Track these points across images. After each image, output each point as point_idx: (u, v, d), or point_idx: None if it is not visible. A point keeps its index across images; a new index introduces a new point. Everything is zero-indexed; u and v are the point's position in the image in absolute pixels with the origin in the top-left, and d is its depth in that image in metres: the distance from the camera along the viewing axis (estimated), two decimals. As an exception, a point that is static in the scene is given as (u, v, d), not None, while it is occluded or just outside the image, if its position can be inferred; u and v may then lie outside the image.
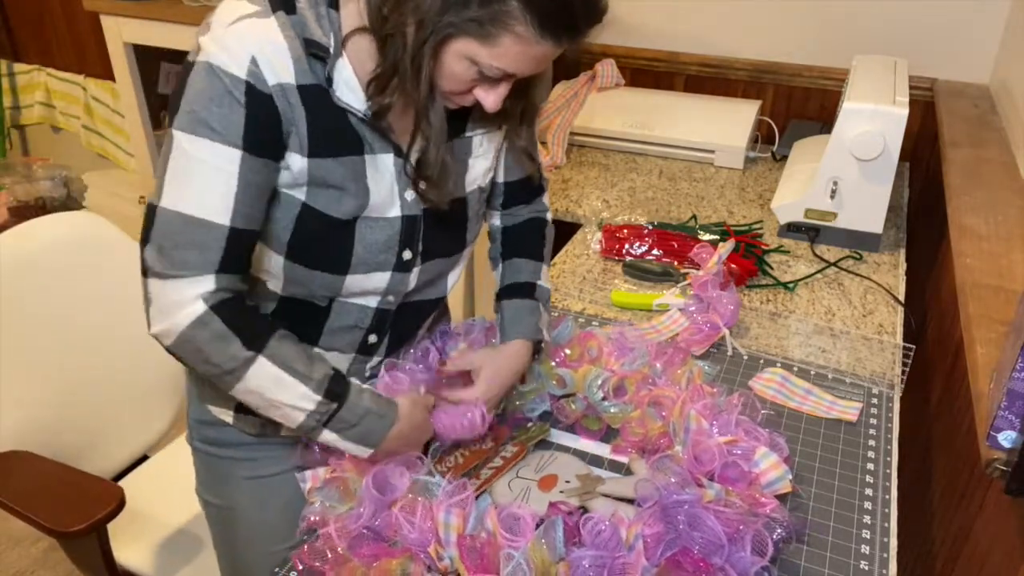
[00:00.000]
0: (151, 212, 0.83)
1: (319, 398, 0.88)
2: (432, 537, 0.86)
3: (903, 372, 1.23)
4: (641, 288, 1.46)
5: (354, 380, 0.93)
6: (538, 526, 0.85)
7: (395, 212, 0.93)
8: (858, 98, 1.50)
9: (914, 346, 1.27)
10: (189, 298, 0.83)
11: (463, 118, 0.97)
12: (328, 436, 0.91)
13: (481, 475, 1.00)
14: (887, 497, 1.00)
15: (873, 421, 1.14)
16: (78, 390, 1.39)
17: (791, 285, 1.47)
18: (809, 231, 1.62)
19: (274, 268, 0.92)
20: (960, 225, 1.25)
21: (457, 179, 0.99)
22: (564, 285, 1.48)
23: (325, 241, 0.91)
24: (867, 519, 0.97)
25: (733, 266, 1.43)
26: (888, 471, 1.05)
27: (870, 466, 1.05)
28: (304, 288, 0.94)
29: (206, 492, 1.13)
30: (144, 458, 1.55)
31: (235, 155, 0.81)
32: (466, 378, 1.04)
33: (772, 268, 1.52)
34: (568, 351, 1.16)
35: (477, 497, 0.94)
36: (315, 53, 0.83)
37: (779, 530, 0.87)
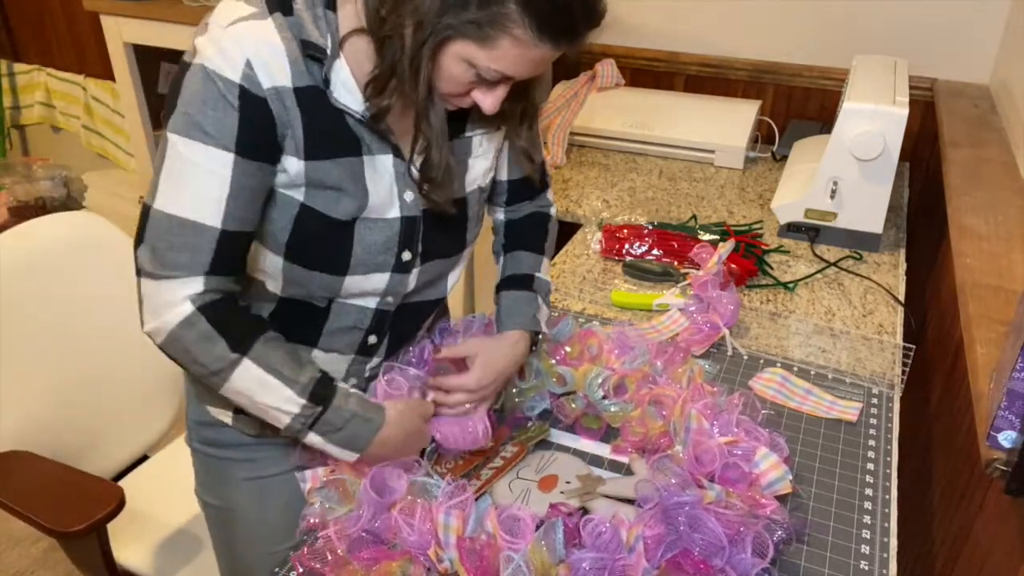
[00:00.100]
0: (145, 212, 0.84)
1: (303, 401, 0.88)
2: (432, 539, 0.86)
3: (903, 372, 1.23)
4: (641, 288, 1.46)
5: (341, 384, 0.93)
6: (538, 528, 0.85)
7: (394, 213, 0.93)
8: (858, 98, 1.50)
9: (914, 346, 1.27)
10: (178, 299, 0.84)
11: (462, 118, 0.97)
12: (314, 439, 0.91)
13: (481, 476, 1.00)
14: (887, 497, 1.00)
15: (873, 421, 1.14)
16: (78, 390, 1.39)
17: (791, 285, 1.47)
18: (809, 231, 1.62)
19: (273, 269, 0.92)
20: (960, 225, 1.25)
21: (458, 179, 0.99)
22: (564, 285, 1.48)
23: (324, 242, 0.90)
24: (867, 519, 0.97)
25: (733, 266, 1.43)
26: (888, 471, 1.05)
27: (870, 466, 1.05)
28: (303, 289, 0.94)
29: (205, 493, 1.13)
30: (144, 458, 1.55)
31: (228, 159, 0.81)
32: (461, 366, 1.04)
33: (772, 268, 1.52)
34: (568, 349, 1.16)
35: (477, 498, 0.94)
36: (312, 54, 0.83)
37: (779, 531, 0.87)
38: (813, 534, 0.95)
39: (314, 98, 0.84)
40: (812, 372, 1.24)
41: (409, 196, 0.94)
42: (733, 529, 0.84)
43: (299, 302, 0.96)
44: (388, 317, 1.01)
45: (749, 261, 1.48)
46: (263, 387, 0.87)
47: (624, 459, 1.05)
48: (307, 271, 0.92)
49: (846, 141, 1.50)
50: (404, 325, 1.05)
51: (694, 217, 1.71)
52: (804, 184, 1.64)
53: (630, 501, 0.93)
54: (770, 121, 2.09)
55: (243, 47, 0.79)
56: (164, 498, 1.43)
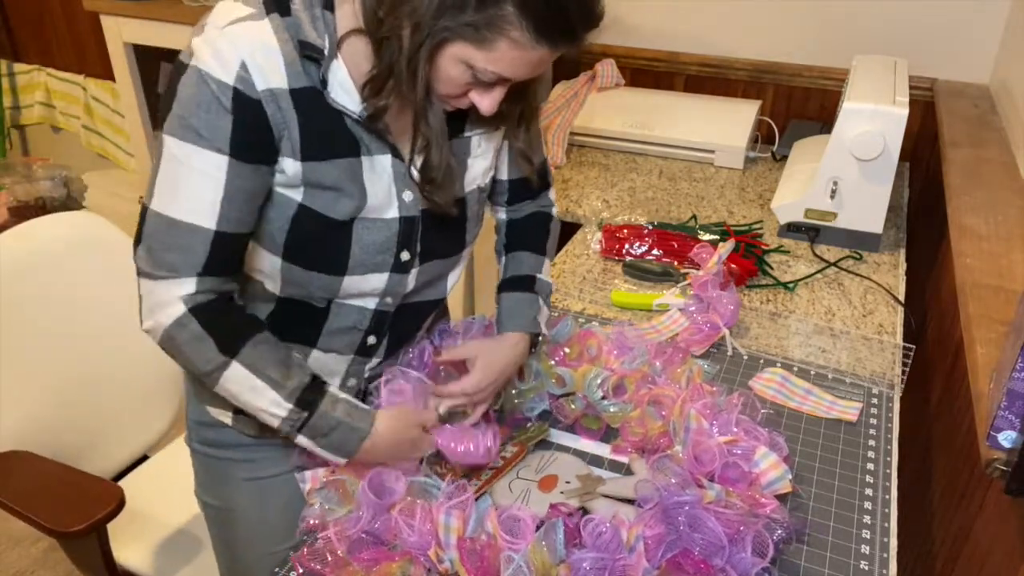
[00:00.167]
0: (143, 213, 0.85)
1: (290, 406, 0.89)
2: (432, 540, 0.86)
3: (903, 372, 1.23)
4: (641, 288, 1.46)
5: (332, 389, 0.93)
6: (538, 528, 0.85)
7: (393, 213, 0.93)
8: (858, 98, 1.50)
9: (914, 346, 1.27)
10: (171, 299, 0.85)
11: (461, 118, 0.97)
12: (304, 441, 0.92)
13: (481, 476, 1.00)
14: (887, 497, 1.00)
15: (873, 421, 1.14)
16: (78, 390, 1.39)
17: (791, 285, 1.47)
18: (809, 231, 1.62)
19: (271, 269, 0.92)
20: (960, 225, 1.25)
21: (458, 180, 0.99)
22: (564, 285, 1.48)
23: (321, 242, 0.91)
24: (867, 519, 0.97)
25: (733, 266, 1.43)
26: (888, 471, 1.05)
27: (870, 466, 1.05)
28: (302, 289, 0.94)
29: (205, 493, 1.13)
30: (144, 458, 1.55)
31: (222, 161, 0.81)
32: (461, 368, 1.04)
33: (772, 268, 1.52)
34: (567, 350, 1.16)
35: (477, 498, 0.94)
36: (309, 55, 0.83)
37: (779, 531, 0.87)
38: (813, 534, 0.95)
39: (311, 99, 0.84)
40: (812, 372, 1.24)
41: (408, 196, 0.94)
42: (733, 528, 0.84)
43: (298, 302, 0.96)
44: (387, 318, 1.01)
45: (749, 261, 1.48)
46: (251, 390, 0.88)
47: (624, 459, 1.05)
48: (305, 271, 0.92)
49: (846, 141, 1.50)
50: (403, 326, 1.05)
51: (694, 217, 1.71)
52: (804, 184, 1.64)
53: (630, 501, 0.93)
54: (770, 121, 2.09)
55: (238, 49, 0.79)
56: (164, 498, 1.43)
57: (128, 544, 1.35)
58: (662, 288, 1.44)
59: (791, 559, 0.91)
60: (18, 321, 1.29)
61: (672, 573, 0.82)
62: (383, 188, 0.92)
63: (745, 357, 1.27)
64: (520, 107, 0.96)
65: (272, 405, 0.89)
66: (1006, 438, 0.80)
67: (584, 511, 0.94)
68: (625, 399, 1.09)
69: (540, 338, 1.10)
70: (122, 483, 1.41)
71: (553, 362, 1.14)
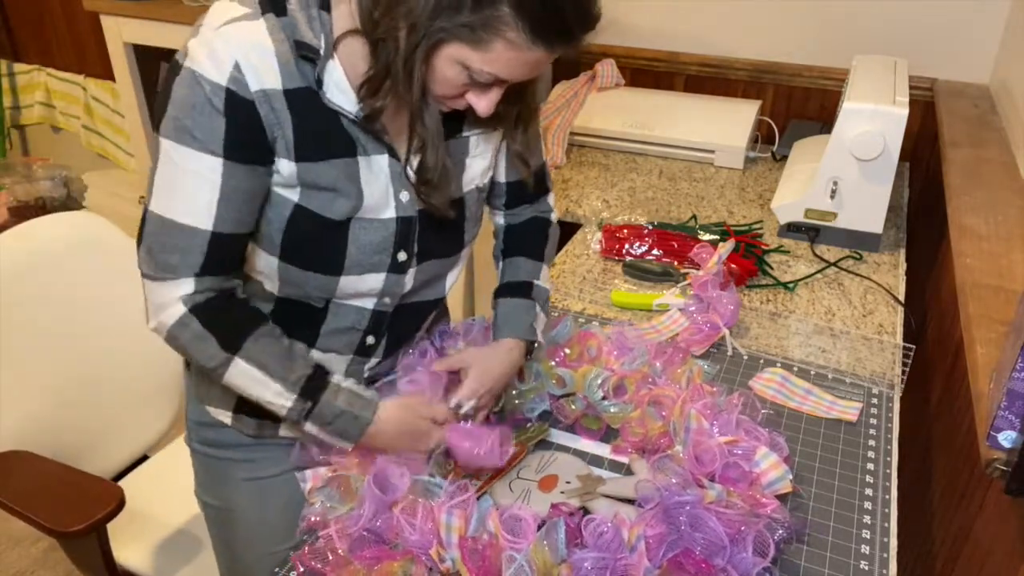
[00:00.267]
0: (144, 215, 0.86)
1: (294, 396, 0.90)
2: (434, 539, 0.86)
3: (903, 372, 1.23)
4: (641, 288, 1.46)
5: (335, 378, 0.94)
6: (540, 527, 0.85)
7: (389, 214, 0.93)
8: (858, 98, 1.50)
9: (914, 346, 1.27)
10: (172, 299, 0.87)
11: (459, 118, 0.97)
12: (311, 428, 0.93)
13: (481, 476, 1.00)
14: (887, 497, 1.01)
15: (873, 421, 1.14)
16: (78, 390, 1.39)
17: (791, 285, 1.47)
18: (809, 231, 1.62)
19: (268, 269, 0.93)
20: (960, 225, 1.25)
21: (455, 179, 0.99)
22: (564, 285, 1.48)
23: (318, 242, 0.91)
24: (867, 519, 0.97)
25: (733, 266, 1.43)
26: (888, 471, 1.05)
27: (870, 466, 1.05)
28: (299, 289, 0.94)
29: (204, 493, 1.13)
30: (144, 458, 1.55)
31: (216, 163, 0.82)
32: (457, 378, 1.04)
33: (772, 268, 1.52)
34: (567, 350, 1.16)
35: (478, 498, 0.94)
36: (305, 55, 0.83)
37: (780, 530, 0.87)
38: (813, 534, 0.95)
39: (306, 99, 0.84)
40: (812, 372, 1.24)
41: (405, 196, 0.94)
42: (734, 528, 0.84)
43: (296, 302, 0.96)
44: (386, 318, 1.01)
45: (749, 261, 1.48)
46: (256, 383, 0.90)
47: (624, 459, 1.05)
48: (302, 271, 0.92)
49: (846, 141, 1.50)
50: (402, 326, 1.05)
51: (694, 217, 1.71)
52: (804, 184, 1.64)
53: (630, 501, 0.93)
54: (770, 121, 2.09)
55: (232, 49, 0.79)
56: (164, 498, 1.43)
57: (128, 544, 1.35)
58: (662, 288, 1.44)
59: (791, 559, 0.92)
60: (18, 321, 1.29)
61: (673, 573, 0.82)
62: (380, 188, 0.92)
63: (745, 357, 1.27)
64: (518, 109, 0.96)
65: (277, 396, 0.90)
66: (1006, 438, 0.80)
67: (585, 511, 0.94)
68: (625, 399, 1.09)
69: (536, 345, 1.10)
70: (122, 483, 1.41)
71: (553, 363, 1.14)
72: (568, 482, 0.99)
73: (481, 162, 1.02)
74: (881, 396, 1.19)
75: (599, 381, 1.09)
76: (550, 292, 1.15)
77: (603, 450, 1.08)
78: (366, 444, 0.95)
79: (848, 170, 1.53)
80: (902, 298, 1.44)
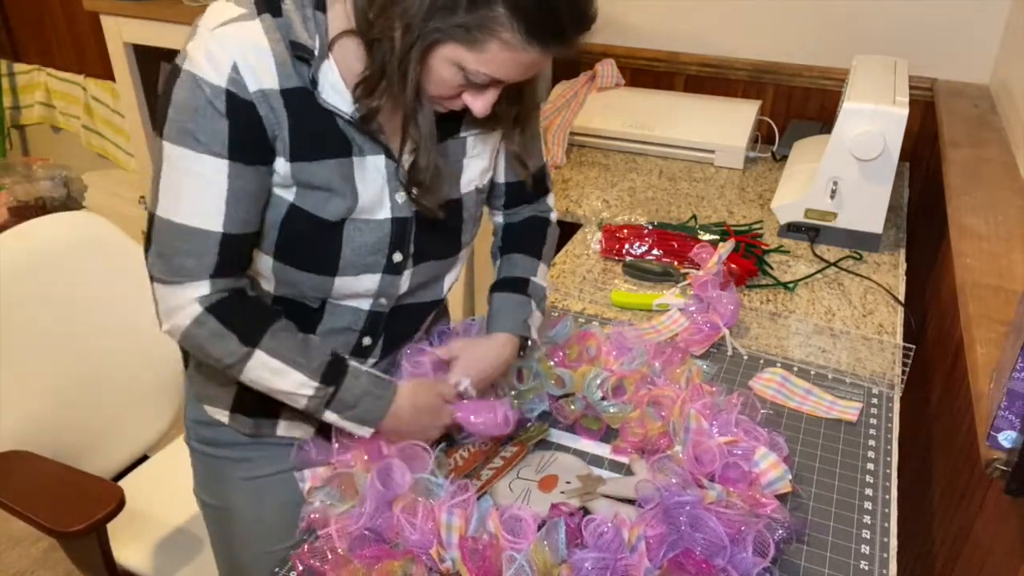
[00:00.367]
0: (151, 220, 0.86)
1: (316, 384, 0.90)
2: (434, 539, 0.86)
3: (903, 372, 1.23)
4: (641, 288, 1.46)
5: (353, 363, 0.94)
6: (540, 527, 0.85)
7: (384, 214, 0.93)
8: (858, 98, 1.50)
9: (914, 346, 1.27)
10: (187, 301, 0.86)
11: (457, 119, 0.97)
12: (331, 416, 0.93)
13: (481, 476, 1.00)
14: (887, 497, 1.01)
15: (873, 421, 1.14)
16: (78, 390, 1.39)
17: (791, 285, 1.47)
18: (809, 231, 1.62)
19: (265, 269, 0.93)
20: (960, 225, 1.25)
21: (451, 181, 0.99)
22: (564, 285, 1.48)
23: (312, 242, 0.91)
24: (867, 519, 0.97)
25: (733, 266, 1.43)
26: (888, 471, 1.05)
27: (870, 466, 1.05)
28: (295, 289, 0.95)
29: (203, 492, 1.13)
30: (144, 458, 1.55)
31: (222, 165, 0.82)
32: (447, 368, 1.04)
33: (772, 268, 1.52)
34: (567, 351, 1.16)
35: (478, 498, 0.94)
36: (300, 55, 0.83)
37: (780, 530, 0.87)
38: (813, 534, 0.95)
39: (302, 99, 0.84)
40: (812, 372, 1.24)
41: (400, 197, 0.94)
42: (734, 528, 0.84)
43: (292, 302, 0.96)
44: (382, 319, 1.01)
45: (749, 261, 1.48)
46: (277, 375, 0.90)
47: (624, 459, 1.05)
48: (297, 271, 0.92)
49: (846, 141, 1.50)
50: (399, 327, 1.05)
51: (694, 217, 1.71)
52: (804, 184, 1.64)
53: (631, 501, 0.93)
54: (770, 121, 2.09)
55: (229, 50, 0.79)
56: (164, 498, 1.43)
57: (128, 544, 1.35)
58: (662, 288, 1.44)
59: (791, 559, 0.92)
60: (18, 321, 1.29)
61: (674, 573, 0.82)
62: (375, 189, 0.92)
63: (745, 357, 1.27)
64: (516, 109, 0.96)
65: (299, 386, 0.90)
66: (1006, 438, 0.80)
67: (585, 511, 0.94)
68: (625, 400, 1.09)
69: (530, 342, 1.10)
70: (122, 483, 1.41)
71: (553, 363, 1.14)
72: (568, 482, 0.99)
73: (479, 163, 1.02)
74: (881, 396, 1.19)
75: (598, 381, 1.09)
76: (547, 291, 1.14)
77: (603, 450, 1.08)
78: (386, 427, 0.95)
79: (848, 170, 1.53)
80: (902, 298, 1.44)
